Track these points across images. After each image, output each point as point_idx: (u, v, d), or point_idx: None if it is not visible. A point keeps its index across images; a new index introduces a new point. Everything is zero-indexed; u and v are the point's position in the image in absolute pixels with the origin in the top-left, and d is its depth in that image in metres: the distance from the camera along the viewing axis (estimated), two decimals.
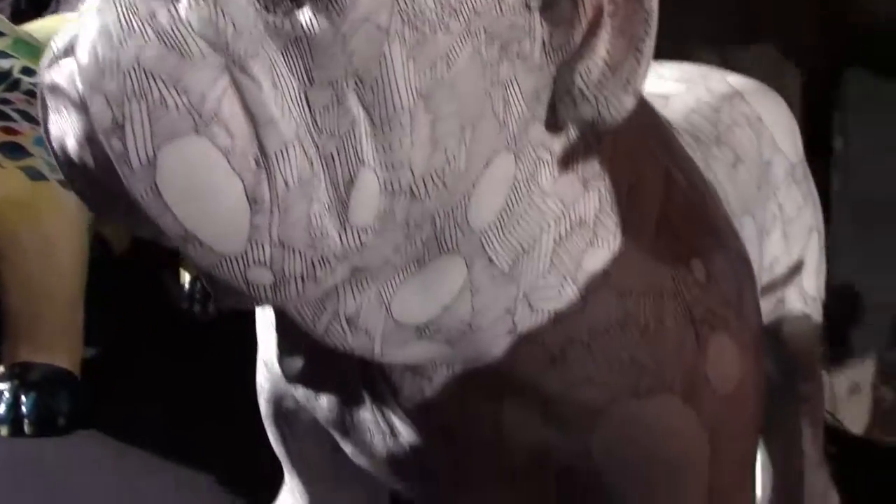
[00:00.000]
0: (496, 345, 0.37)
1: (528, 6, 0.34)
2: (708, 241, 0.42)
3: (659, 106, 0.57)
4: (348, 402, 0.43)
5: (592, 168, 0.37)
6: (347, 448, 0.46)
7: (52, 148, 0.35)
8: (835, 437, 0.73)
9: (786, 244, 0.60)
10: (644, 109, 0.42)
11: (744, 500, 0.46)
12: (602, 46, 0.34)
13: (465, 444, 0.40)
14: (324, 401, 0.44)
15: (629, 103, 0.35)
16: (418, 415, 0.40)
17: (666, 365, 0.38)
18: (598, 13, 0.34)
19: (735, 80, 0.62)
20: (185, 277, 1.09)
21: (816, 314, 0.62)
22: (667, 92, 0.58)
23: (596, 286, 0.38)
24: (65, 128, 0.34)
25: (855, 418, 0.91)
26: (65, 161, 0.35)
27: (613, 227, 0.38)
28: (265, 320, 0.49)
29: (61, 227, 0.83)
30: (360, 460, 0.46)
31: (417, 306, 0.36)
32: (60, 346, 0.83)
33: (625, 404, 0.38)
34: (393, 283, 0.36)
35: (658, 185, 0.40)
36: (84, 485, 0.72)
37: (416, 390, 0.39)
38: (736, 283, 0.42)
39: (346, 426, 0.44)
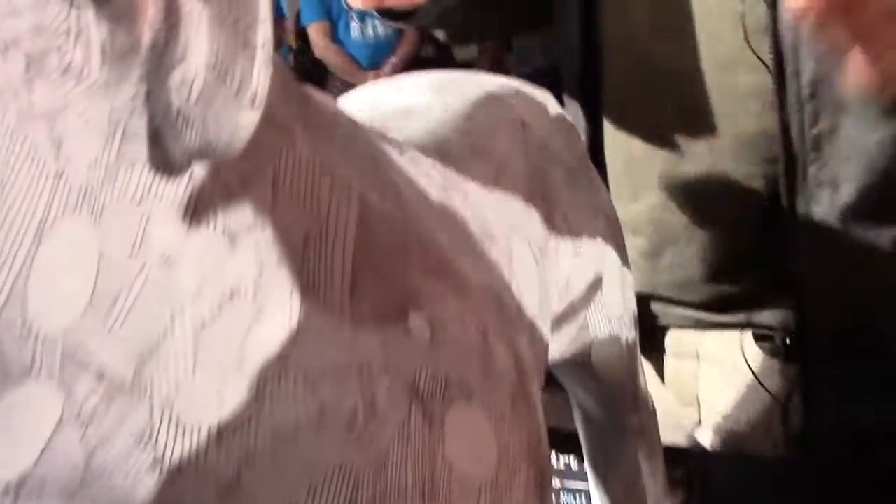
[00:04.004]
0: (139, 487, 0.26)
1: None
2: (431, 283, 0.32)
3: (400, 123, 0.47)
4: None
5: (240, 217, 0.27)
6: None
7: None
8: (681, 458, 0.65)
9: (578, 260, 0.51)
10: (325, 128, 0.32)
11: None
12: (197, 45, 0.24)
13: None
14: None
15: (249, 119, 0.24)
16: None
17: (389, 466, 0.28)
18: None
19: (494, 82, 0.54)
20: None
21: (627, 332, 0.54)
22: (409, 105, 0.49)
23: (272, 376, 0.27)
24: None
25: None
26: None
27: (285, 292, 0.28)
28: None
29: None
30: None
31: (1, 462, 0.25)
32: None
33: None
34: None
35: (350, 225, 0.30)
36: None
37: None
38: (476, 333, 0.32)
39: None
